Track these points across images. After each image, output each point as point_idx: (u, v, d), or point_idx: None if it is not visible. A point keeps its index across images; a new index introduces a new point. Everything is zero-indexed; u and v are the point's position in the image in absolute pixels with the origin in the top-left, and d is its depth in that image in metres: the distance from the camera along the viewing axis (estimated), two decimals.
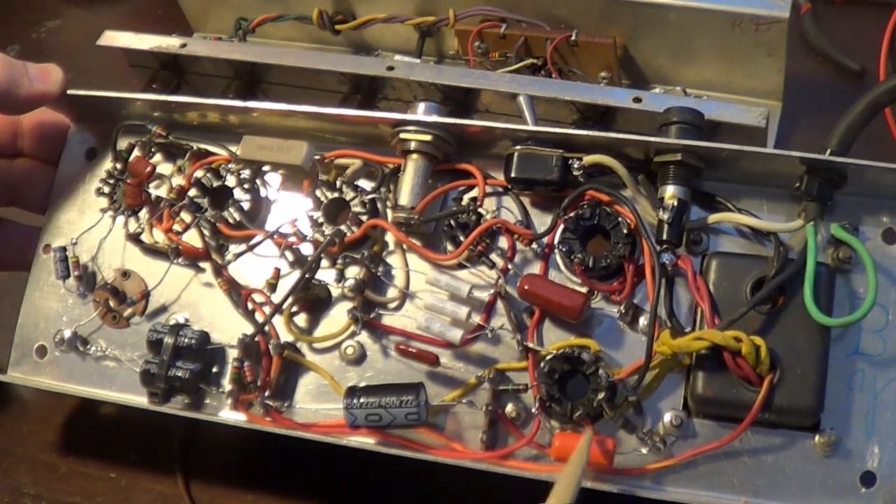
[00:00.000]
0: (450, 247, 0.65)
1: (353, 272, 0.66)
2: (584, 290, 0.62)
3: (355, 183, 0.67)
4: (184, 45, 0.84)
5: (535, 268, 0.64)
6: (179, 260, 0.70)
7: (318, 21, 0.88)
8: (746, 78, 0.79)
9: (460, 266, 0.65)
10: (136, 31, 0.85)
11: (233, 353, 0.66)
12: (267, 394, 0.65)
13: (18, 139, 0.76)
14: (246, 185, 0.68)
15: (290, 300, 0.65)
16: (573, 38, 0.79)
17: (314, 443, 0.64)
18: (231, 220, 0.68)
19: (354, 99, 0.82)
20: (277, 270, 0.67)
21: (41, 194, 0.76)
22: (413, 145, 0.64)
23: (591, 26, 0.80)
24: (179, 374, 0.66)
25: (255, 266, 0.69)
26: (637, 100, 0.72)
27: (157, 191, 0.71)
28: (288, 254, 0.67)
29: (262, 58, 0.82)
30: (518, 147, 0.63)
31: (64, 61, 0.72)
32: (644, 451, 0.60)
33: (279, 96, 0.85)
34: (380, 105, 0.82)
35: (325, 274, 0.67)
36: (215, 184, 0.69)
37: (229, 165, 0.69)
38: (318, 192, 0.67)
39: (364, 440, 0.64)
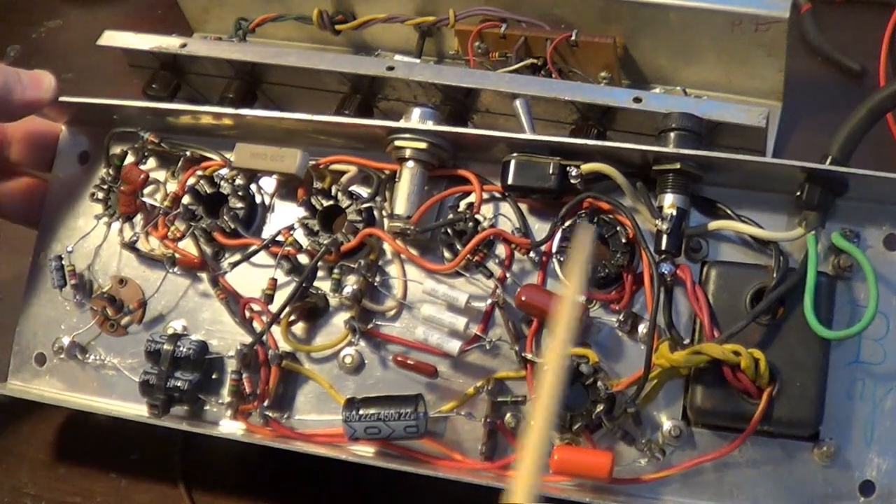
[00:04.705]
0: (447, 254, 0.65)
1: (351, 281, 0.65)
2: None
3: (350, 190, 0.66)
4: (184, 45, 0.83)
5: (533, 276, 0.63)
6: (176, 269, 0.69)
7: (318, 21, 0.88)
8: (746, 78, 0.79)
9: (457, 274, 0.64)
10: (136, 31, 0.84)
11: (231, 363, 0.66)
12: (266, 404, 0.65)
13: (5, 148, 0.75)
14: (240, 193, 0.68)
15: (287, 309, 0.65)
16: (573, 38, 0.79)
17: None
18: (227, 228, 0.68)
19: (354, 99, 0.82)
20: (274, 281, 0.66)
21: (33, 213, 0.75)
22: (408, 153, 0.64)
23: (591, 26, 0.79)
24: (178, 385, 0.66)
25: (252, 274, 0.68)
26: (637, 100, 0.72)
27: (152, 198, 0.71)
28: (284, 263, 0.67)
29: (262, 58, 0.82)
30: (515, 154, 0.63)
31: (64, 61, 0.72)
32: (643, 461, 0.60)
33: (279, 96, 0.85)
34: (380, 105, 0.82)
35: (323, 283, 0.66)
36: (209, 191, 0.69)
37: (222, 171, 0.69)
38: (313, 200, 0.66)
39: (364, 450, 0.64)
